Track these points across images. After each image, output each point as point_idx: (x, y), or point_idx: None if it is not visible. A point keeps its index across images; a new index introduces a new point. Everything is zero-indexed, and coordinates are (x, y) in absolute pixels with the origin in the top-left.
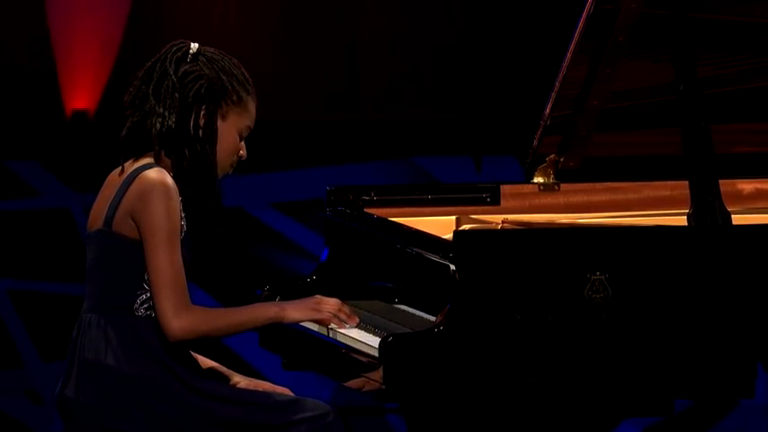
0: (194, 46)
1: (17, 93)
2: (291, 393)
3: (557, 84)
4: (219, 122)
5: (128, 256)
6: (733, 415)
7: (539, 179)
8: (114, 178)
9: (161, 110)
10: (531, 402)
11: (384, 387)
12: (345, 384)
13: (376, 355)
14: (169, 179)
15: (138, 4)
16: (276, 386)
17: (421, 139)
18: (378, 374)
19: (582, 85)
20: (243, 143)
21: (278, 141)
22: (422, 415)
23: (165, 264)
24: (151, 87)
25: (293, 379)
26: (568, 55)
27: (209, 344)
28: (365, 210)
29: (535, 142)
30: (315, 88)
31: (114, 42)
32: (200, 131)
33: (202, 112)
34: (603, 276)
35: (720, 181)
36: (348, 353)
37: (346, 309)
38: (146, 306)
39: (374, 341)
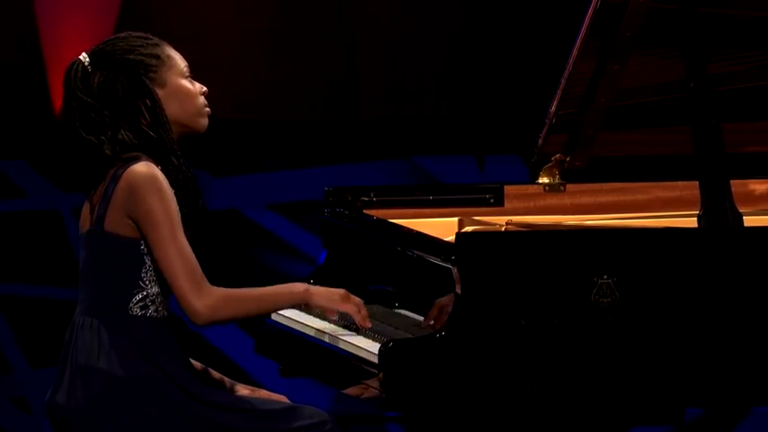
0: (84, 56)
1: (4, 91)
2: (288, 401)
3: (562, 81)
4: (162, 92)
5: (121, 254)
6: (745, 424)
7: (544, 179)
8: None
9: (105, 136)
10: (536, 410)
11: (384, 395)
12: (344, 392)
13: (375, 361)
14: (156, 169)
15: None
16: (273, 393)
17: (422, 138)
18: (377, 382)
19: (589, 82)
20: (195, 82)
21: (274, 140)
22: (423, 424)
23: (174, 252)
24: (79, 124)
25: (290, 386)
26: (574, 51)
27: (203, 349)
28: (364, 211)
29: (540, 141)
30: (312, 85)
31: (104, 40)
32: (155, 117)
33: (142, 102)
34: (611, 280)
35: (732, 181)
36: (347, 359)
37: (365, 311)
38: (141, 305)
39: (373, 347)
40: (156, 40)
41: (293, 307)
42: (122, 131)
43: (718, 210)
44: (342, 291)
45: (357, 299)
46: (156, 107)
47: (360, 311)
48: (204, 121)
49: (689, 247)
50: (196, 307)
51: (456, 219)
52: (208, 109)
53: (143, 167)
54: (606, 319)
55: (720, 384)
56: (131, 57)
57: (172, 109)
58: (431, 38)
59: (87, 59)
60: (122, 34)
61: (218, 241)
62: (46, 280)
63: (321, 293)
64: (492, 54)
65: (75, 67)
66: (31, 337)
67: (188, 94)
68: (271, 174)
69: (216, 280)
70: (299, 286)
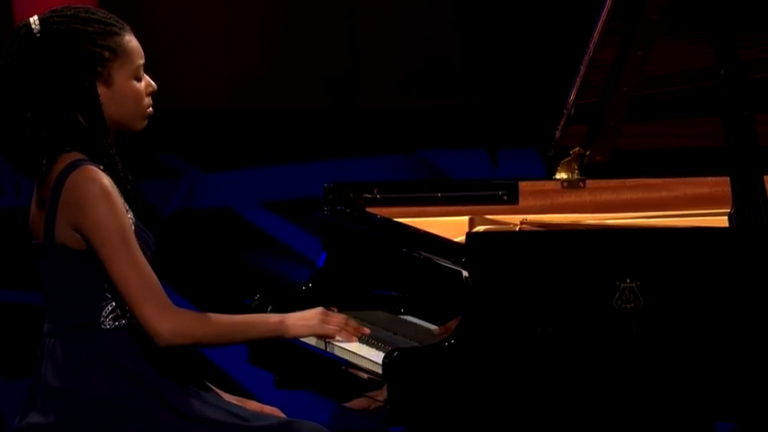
0: (35, 22)
1: None
2: (283, 414)
3: (582, 68)
4: (107, 91)
5: (81, 268)
6: None
7: (562, 175)
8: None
9: (34, 115)
10: (553, 425)
11: (389, 408)
12: (346, 405)
13: (379, 371)
14: (103, 176)
15: None
16: (265, 406)
17: (430, 130)
18: (382, 394)
19: (611, 69)
20: (146, 79)
21: (269, 132)
22: None
23: (128, 267)
24: (9, 91)
25: (287, 399)
26: (595, 35)
27: (191, 357)
28: (367, 209)
29: (558, 133)
30: (310, 72)
31: (61, 10)
32: (92, 119)
33: (83, 99)
34: (634, 284)
35: (766, 177)
36: (348, 369)
37: (353, 323)
38: (112, 317)
39: (377, 356)
40: (117, 26)
41: (270, 337)
42: (54, 118)
43: (751, 208)
44: (317, 311)
45: (338, 316)
46: (97, 110)
47: (344, 329)
48: (142, 124)
49: (719, 248)
50: (159, 329)
51: (466, 218)
52: (150, 110)
53: (88, 173)
54: (629, 326)
55: (755, 397)
56: (85, 46)
57: (111, 109)
58: (438, 21)
59: (38, 28)
60: (83, 12)
61: (208, 242)
62: (21, 284)
63: (297, 325)
64: (505, 38)
65: (23, 30)
66: (4, 345)
67: (133, 97)
68: (266, 168)
69: (206, 285)
70: (273, 317)
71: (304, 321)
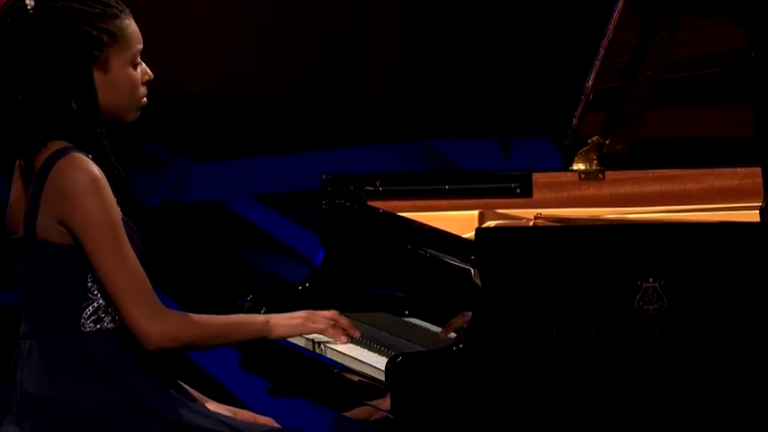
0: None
1: None
2: (277, 425)
3: (601, 50)
4: (102, 77)
5: (63, 266)
6: None
7: (579, 166)
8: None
9: (25, 98)
10: None
11: (392, 418)
12: (345, 414)
13: (382, 378)
14: (93, 166)
15: None
16: (258, 416)
17: (437, 117)
18: (384, 402)
19: (632, 51)
20: (142, 66)
21: (263, 119)
22: None
23: (118, 266)
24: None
25: (282, 407)
26: (616, 14)
27: (178, 363)
28: (369, 203)
29: (575, 121)
30: (309, 55)
31: None
32: (86, 105)
33: (78, 83)
34: (658, 283)
35: None
36: (347, 376)
37: (344, 321)
38: (94, 318)
39: (380, 362)
40: (118, 8)
41: (257, 338)
42: (46, 102)
43: None
44: (303, 313)
45: (326, 313)
46: (92, 96)
47: (333, 326)
48: (135, 115)
49: (749, 244)
50: (149, 332)
51: (476, 212)
52: (145, 100)
53: (76, 161)
54: (652, 329)
55: None
56: (83, 27)
57: (104, 97)
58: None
59: (32, 3)
60: None
61: (196, 238)
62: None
63: (281, 324)
64: (518, 18)
65: (15, 5)
66: None
67: (129, 86)
68: (260, 159)
69: (195, 284)
70: (260, 318)
71: (288, 321)
